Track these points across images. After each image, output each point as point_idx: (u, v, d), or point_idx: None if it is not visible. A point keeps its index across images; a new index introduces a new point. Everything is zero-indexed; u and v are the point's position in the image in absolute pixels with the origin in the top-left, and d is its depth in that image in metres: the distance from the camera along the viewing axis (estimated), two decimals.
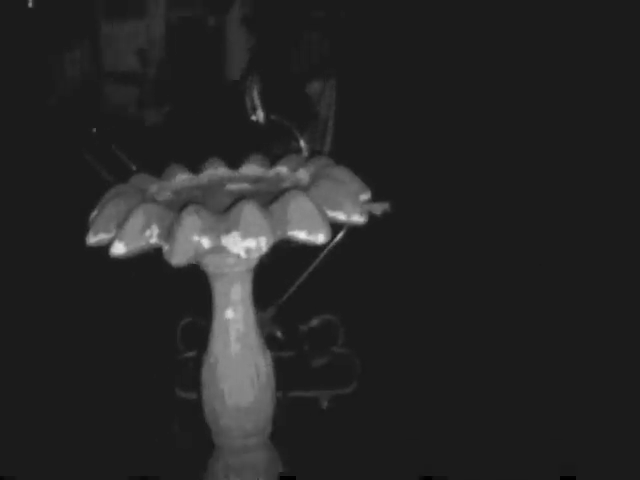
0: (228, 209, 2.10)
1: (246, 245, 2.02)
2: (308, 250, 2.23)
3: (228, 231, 2.03)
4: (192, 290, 2.70)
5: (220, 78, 7.24)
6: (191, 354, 3.52)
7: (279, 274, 3.45)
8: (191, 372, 3.01)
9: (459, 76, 6.93)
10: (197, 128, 5.72)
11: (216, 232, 2.04)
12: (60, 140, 5.81)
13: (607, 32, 6.75)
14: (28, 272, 4.70)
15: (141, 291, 4.27)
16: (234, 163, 2.76)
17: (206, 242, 2.03)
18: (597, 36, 6.84)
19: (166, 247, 2.06)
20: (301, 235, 2.10)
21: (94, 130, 4.47)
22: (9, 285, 4.52)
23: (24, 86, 7.19)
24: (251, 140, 3.79)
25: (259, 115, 3.82)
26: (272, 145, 3.60)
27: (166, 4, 8.10)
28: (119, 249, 2.12)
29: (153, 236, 2.09)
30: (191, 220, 2.02)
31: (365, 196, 2.47)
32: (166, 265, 2.07)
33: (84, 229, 2.31)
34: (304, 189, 2.26)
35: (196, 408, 2.58)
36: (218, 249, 2.06)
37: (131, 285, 4.20)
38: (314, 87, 4.25)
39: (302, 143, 3.78)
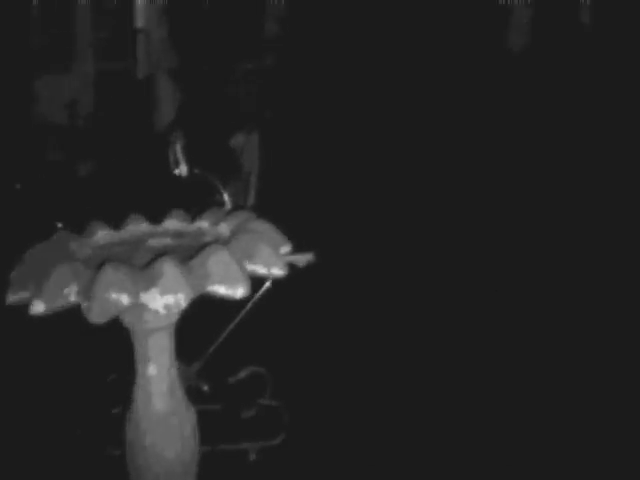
0: (148, 266, 2.12)
1: (165, 301, 2.04)
2: (234, 302, 2.25)
3: (147, 288, 2.05)
4: (119, 345, 2.69)
5: (145, 132, 7.26)
6: (117, 410, 3.49)
7: (205, 327, 3.46)
8: (117, 428, 2.98)
9: (380, 131, 7.13)
10: (122, 182, 5.71)
11: (135, 289, 2.05)
12: None
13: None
14: None
15: (67, 347, 4.21)
16: (158, 217, 2.77)
17: (125, 299, 2.04)
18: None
19: (85, 305, 2.06)
20: (220, 289, 2.13)
21: (17, 186, 4.44)
22: None
23: None
24: (174, 194, 3.81)
25: (182, 169, 3.85)
26: (195, 199, 3.62)
27: (94, 57, 8.10)
28: (38, 308, 2.12)
29: (72, 294, 2.09)
30: (109, 278, 2.03)
31: (286, 248, 2.51)
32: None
33: (4, 287, 2.30)
34: (225, 243, 2.29)
35: (122, 464, 2.56)
36: (137, 306, 2.07)
37: (57, 342, 4.14)
38: (237, 140, 4.28)
39: (225, 197, 3.81)
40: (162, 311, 2.06)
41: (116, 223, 2.73)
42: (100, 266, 2.10)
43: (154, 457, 2.41)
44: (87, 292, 2.06)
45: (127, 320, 2.30)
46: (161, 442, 2.39)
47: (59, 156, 7.30)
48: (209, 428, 2.68)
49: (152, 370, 2.38)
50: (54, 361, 4.19)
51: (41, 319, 2.15)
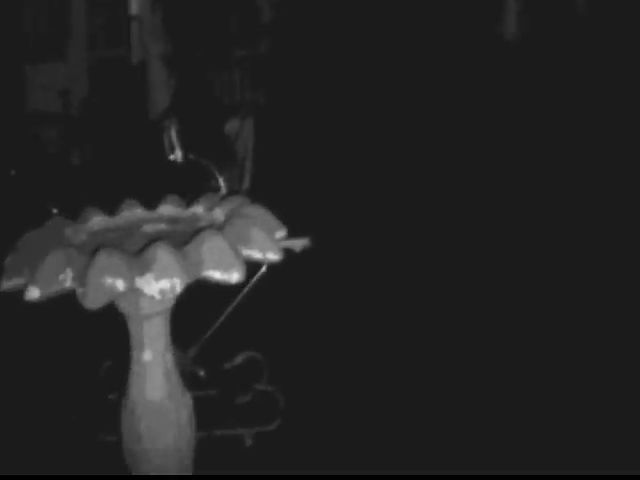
0: (142, 251, 2.11)
1: (160, 286, 2.04)
2: (229, 288, 2.25)
3: (142, 273, 2.05)
4: (115, 331, 2.68)
5: (140, 118, 7.25)
6: (113, 396, 3.48)
7: (201, 313, 3.46)
8: (113, 414, 2.98)
9: (373, 116, 7.13)
10: (116, 168, 5.70)
11: (130, 274, 2.05)
12: None
13: None
14: None
15: (63, 333, 4.21)
16: (152, 203, 2.77)
17: (120, 284, 2.04)
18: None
19: (80, 290, 2.06)
20: (215, 275, 2.13)
21: (12, 172, 4.44)
22: None
23: None
24: (169, 180, 3.80)
25: (177, 155, 3.85)
26: (190, 184, 3.61)
27: (89, 44, 8.09)
28: (34, 293, 2.12)
29: (67, 280, 2.09)
30: (104, 263, 2.03)
31: (281, 233, 2.51)
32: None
33: None
34: (219, 228, 2.29)
35: (117, 450, 2.56)
36: (133, 291, 2.07)
37: (52, 328, 4.14)
38: (232, 126, 4.27)
39: (221, 182, 3.81)
40: (157, 296, 2.06)
41: (111, 209, 2.73)
42: (95, 252, 2.10)
43: (150, 443, 2.41)
44: (82, 278, 2.06)
45: (123, 306, 2.30)
46: (157, 428, 2.39)
47: (54, 142, 7.29)
48: (205, 414, 2.68)
49: (148, 356, 2.38)
50: (50, 347, 4.19)
51: (36, 305, 2.15)
